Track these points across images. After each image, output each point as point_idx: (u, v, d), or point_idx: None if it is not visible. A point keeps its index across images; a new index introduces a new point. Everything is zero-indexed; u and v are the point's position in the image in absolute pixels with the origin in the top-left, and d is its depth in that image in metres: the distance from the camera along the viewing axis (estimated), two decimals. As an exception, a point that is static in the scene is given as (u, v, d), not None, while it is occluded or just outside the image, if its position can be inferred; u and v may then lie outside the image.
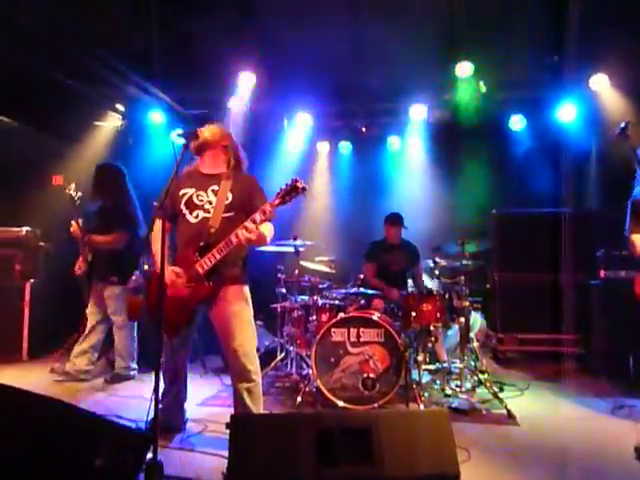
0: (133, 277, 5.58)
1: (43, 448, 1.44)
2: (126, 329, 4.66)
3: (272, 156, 7.05)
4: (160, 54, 6.15)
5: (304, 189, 2.77)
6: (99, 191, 4.65)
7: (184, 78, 6.21)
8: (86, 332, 4.75)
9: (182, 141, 2.81)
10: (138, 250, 4.68)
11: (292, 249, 4.91)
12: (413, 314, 4.30)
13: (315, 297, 4.74)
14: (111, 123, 7.04)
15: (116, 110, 6.88)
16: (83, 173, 6.71)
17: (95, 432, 1.66)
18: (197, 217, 3.06)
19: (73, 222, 4.54)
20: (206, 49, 5.75)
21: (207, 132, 3.11)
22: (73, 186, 4.56)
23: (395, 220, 5.44)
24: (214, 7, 5.64)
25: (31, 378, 4.72)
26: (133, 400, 4.10)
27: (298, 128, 7.01)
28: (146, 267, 4.96)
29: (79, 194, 4.58)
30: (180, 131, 2.83)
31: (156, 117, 6.90)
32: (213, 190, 3.11)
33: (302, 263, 5.14)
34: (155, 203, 2.72)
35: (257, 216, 2.86)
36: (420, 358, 4.22)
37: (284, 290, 5.31)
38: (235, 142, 3.23)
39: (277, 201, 2.82)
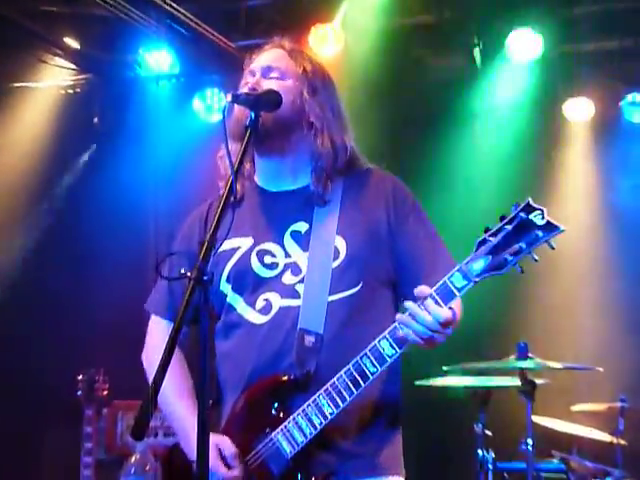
0: (133, 458, 6.00)
1: None
2: None
3: (435, 138, 7.16)
4: None
5: (552, 228, 2.60)
6: None
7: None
8: None
9: (239, 113, 2.97)
10: None
11: (514, 380, 4.93)
12: None
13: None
14: (55, 82, 7.16)
15: (64, 51, 6.92)
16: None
17: None
18: (268, 311, 3.07)
19: None
20: None
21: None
22: None
23: None
24: None
25: None
26: None
27: (508, 68, 7.03)
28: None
29: None
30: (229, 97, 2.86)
31: (158, 59, 6.96)
32: (296, 234, 3.15)
33: (538, 420, 5.22)
34: (182, 271, 2.50)
35: (429, 314, 2.71)
36: None
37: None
38: (339, 97, 3.32)
39: (479, 263, 2.67)
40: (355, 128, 3.29)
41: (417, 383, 4.86)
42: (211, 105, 7.36)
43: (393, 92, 7.21)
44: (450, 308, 2.72)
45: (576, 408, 5.45)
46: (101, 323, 7.14)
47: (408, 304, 2.76)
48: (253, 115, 2.75)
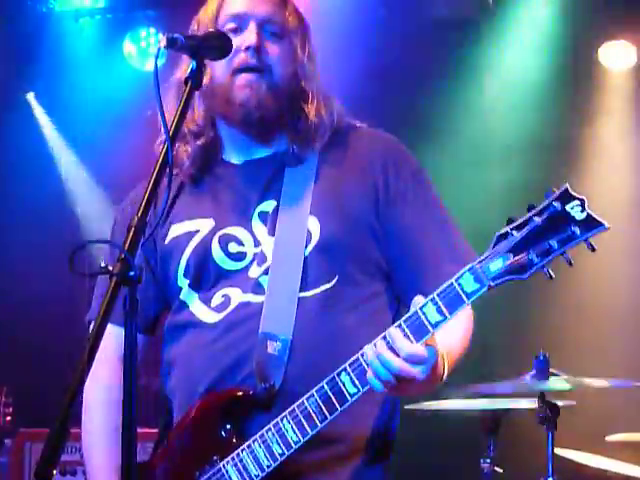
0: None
1: None
2: None
3: (435, 94, 7.45)
4: None
5: (594, 225, 2.63)
6: None
7: None
8: None
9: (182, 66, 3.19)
10: None
11: (531, 403, 5.14)
12: None
13: None
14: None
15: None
16: None
17: None
18: (224, 308, 3.23)
19: None
20: None
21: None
22: None
23: None
24: None
25: None
26: None
27: (527, 4, 7.40)
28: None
29: None
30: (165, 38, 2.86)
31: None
32: (263, 215, 3.32)
33: (561, 453, 5.45)
34: (105, 266, 2.56)
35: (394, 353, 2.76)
36: None
37: None
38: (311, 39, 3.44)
39: (497, 263, 2.69)
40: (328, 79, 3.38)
41: (407, 407, 4.88)
42: (146, 49, 7.49)
43: (381, 35, 7.23)
44: (427, 345, 2.70)
45: (611, 438, 5.56)
46: (6, 327, 7.06)
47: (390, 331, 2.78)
48: (195, 65, 2.76)
